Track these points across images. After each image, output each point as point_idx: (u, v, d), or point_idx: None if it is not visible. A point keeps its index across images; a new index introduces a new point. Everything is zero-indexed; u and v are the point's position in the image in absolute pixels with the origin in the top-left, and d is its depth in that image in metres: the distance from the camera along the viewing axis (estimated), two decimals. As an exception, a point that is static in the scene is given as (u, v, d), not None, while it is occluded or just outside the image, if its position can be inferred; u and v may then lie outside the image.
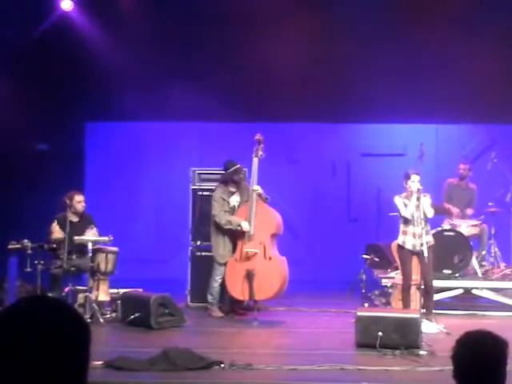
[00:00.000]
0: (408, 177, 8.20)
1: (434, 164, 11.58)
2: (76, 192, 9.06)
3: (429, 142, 10.55)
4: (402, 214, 8.24)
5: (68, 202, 8.79)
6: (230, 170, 9.00)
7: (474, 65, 10.68)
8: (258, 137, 8.89)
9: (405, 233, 8.29)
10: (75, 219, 8.79)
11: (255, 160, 8.88)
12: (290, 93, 11.27)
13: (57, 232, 8.70)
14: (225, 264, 8.88)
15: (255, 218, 8.77)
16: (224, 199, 9.00)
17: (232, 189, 9.09)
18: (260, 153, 8.86)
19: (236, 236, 8.90)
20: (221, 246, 8.96)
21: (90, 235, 8.64)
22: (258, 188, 8.80)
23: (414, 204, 8.14)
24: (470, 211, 10.31)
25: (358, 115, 11.74)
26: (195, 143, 12.10)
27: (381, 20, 10.92)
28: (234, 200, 9.09)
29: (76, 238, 8.43)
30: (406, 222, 8.25)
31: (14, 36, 10.94)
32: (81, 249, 8.65)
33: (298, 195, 12.16)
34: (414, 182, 8.15)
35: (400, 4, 10.87)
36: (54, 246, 8.63)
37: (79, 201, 8.87)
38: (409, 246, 8.25)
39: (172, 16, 11.27)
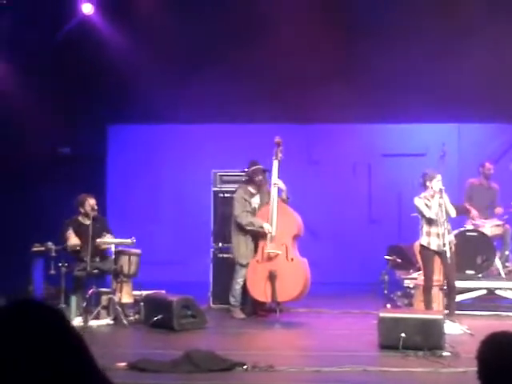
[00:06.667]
0: (432, 177, 8.15)
1: (456, 164, 11.49)
2: (88, 195, 8.82)
3: (451, 142, 10.49)
4: (427, 216, 8.17)
5: (80, 205, 8.72)
6: (251, 168, 9.04)
7: (498, 63, 10.59)
8: (277, 139, 8.93)
9: (429, 234, 8.23)
10: (87, 222, 8.63)
11: (275, 162, 8.92)
12: (310, 94, 11.25)
13: (72, 239, 8.61)
14: (247, 265, 8.89)
15: (277, 219, 8.78)
16: (246, 200, 9.01)
17: (253, 190, 9.10)
18: (280, 155, 8.91)
19: (257, 237, 8.91)
20: (242, 246, 8.95)
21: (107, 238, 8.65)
22: (278, 181, 8.82)
23: (436, 204, 8.09)
24: (499, 210, 10.20)
25: (378, 115, 11.70)
26: (217, 145, 12.11)
27: (400, 16, 10.85)
28: (255, 202, 9.10)
29: (98, 240, 8.46)
30: (430, 222, 8.19)
31: (37, 39, 11.03)
32: (101, 251, 8.69)
33: (319, 196, 12.13)
34: (439, 182, 8.12)
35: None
36: (77, 248, 8.64)
37: (91, 204, 8.68)
38: (434, 247, 8.20)
39: (193, 17, 11.29)
